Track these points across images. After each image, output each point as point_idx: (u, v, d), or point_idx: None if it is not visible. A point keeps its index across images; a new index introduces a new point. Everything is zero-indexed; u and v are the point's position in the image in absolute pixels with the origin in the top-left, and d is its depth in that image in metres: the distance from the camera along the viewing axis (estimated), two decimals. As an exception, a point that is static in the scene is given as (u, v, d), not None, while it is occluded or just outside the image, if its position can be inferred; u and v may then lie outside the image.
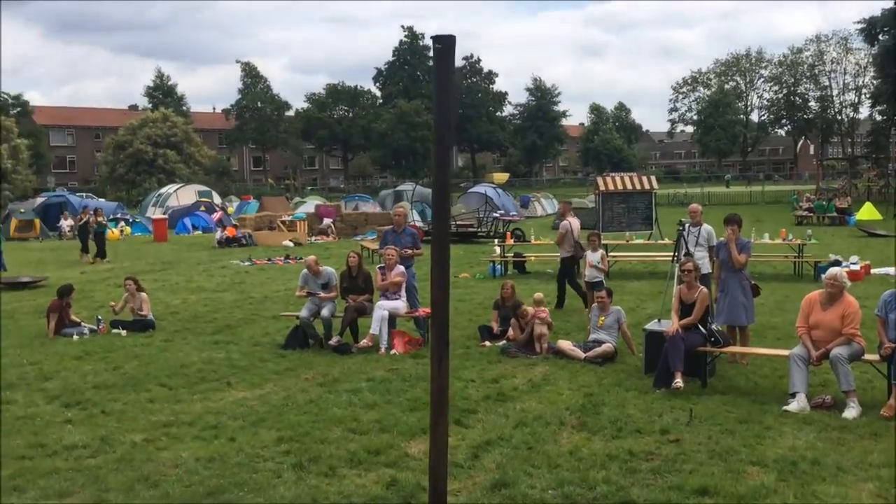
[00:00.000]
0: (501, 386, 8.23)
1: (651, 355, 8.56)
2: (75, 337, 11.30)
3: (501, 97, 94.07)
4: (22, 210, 37.77)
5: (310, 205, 38.63)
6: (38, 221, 36.05)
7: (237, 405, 7.66)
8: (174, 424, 7.00)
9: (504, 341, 10.25)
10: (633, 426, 6.75)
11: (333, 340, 10.28)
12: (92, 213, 24.84)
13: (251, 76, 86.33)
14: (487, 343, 10.37)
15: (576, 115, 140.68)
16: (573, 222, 13.37)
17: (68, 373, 9.16)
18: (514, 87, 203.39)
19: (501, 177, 65.01)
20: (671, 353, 7.98)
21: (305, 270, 11.02)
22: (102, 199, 50.65)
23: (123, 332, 11.58)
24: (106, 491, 5.37)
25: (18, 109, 73.31)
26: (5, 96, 74.10)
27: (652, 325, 9.00)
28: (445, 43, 2.36)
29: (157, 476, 5.66)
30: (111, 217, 39.07)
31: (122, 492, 5.34)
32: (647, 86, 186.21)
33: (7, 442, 6.53)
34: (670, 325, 8.45)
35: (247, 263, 21.95)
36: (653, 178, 24.91)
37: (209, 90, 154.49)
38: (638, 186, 23.92)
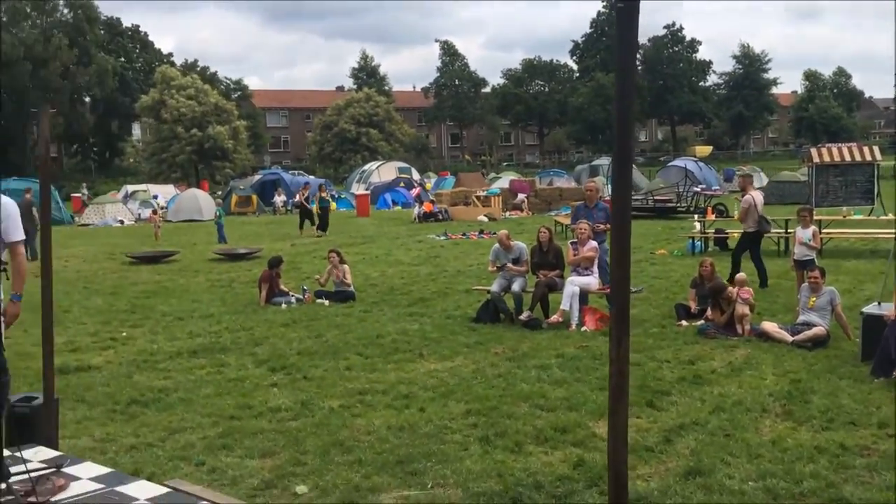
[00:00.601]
0: (698, 368, 7.84)
1: (869, 341, 7.80)
2: (283, 305, 12.00)
3: (705, 66, 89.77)
4: (241, 187, 40.79)
5: (504, 180, 38.87)
6: (255, 197, 38.78)
7: (428, 376, 7.80)
8: (369, 392, 7.24)
9: (702, 321, 9.76)
10: (846, 417, 6.18)
11: (524, 315, 10.24)
12: (316, 189, 26.54)
13: (449, 54, 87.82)
14: (684, 322, 9.92)
15: (788, 83, 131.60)
16: (755, 196, 12.74)
17: (276, 339, 9.74)
18: (718, 55, 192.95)
19: (704, 150, 62.14)
20: (894, 339, 7.24)
21: (497, 245, 11.04)
22: (312, 176, 53.71)
23: (326, 303, 12.17)
24: (304, 453, 5.63)
25: (239, 93, 78.99)
26: (228, 81, 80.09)
27: (871, 308, 8.21)
28: (628, 0, 2.17)
29: (351, 442, 5.86)
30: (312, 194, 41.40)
31: (318, 455, 5.58)
32: (871, 49, 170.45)
33: (219, 401, 7.04)
34: (893, 308, 7.66)
35: (442, 238, 22.43)
36: (875, 148, 22.77)
37: (410, 70, 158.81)
38: (858, 158, 21.93)
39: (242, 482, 5.09)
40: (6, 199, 5.03)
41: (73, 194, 43.60)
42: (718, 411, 6.41)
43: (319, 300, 12.32)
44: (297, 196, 29.26)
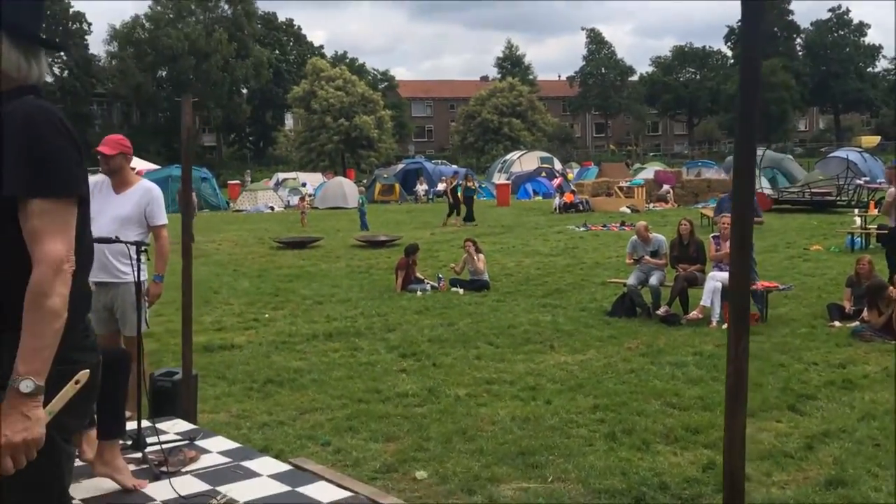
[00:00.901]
0: (849, 372, 7.32)
1: None
2: (418, 293, 12.15)
3: (874, 51, 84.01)
4: (385, 175, 41.69)
5: (650, 171, 37.84)
6: (398, 186, 39.54)
7: (557, 368, 7.68)
8: (496, 382, 7.20)
9: (857, 322, 9.11)
10: None
11: (661, 310, 9.90)
12: (462, 178, 26.70)
13: (596, 42, 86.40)
14: (837, 323, 9.29)
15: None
16: (903, 189, 11.70)
17: (409, 326, 9.87)
18: (890, 40, 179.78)
19: (871, 140, 58.13)
20: None
21: (635, 237, 10.74)
22: (454, 166, 54.24)
23: (461, 291, 12.23)
24: (427, 440, 5.65)
25: (386, 84, 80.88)
26: (375, 72, 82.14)
27: None
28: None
29: (474, 430, 5.84)
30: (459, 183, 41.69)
31: (441, 442, 5.59)
32: None
33: (350, 384, 7.19)
34: None
35: (582, 229, 22.09)
36: None
37: (555, 59, 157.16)
38: None
39: (365, 464, 5.17)
40: (152, 185, 5.34)
41: (229, 181, 45.95)
42: (868, 419, 5.95)
43: (454, 288, 12.40)
44: (444, 185, 29.50)
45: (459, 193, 25.43)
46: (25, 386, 1.92)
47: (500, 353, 8.34)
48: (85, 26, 64.62)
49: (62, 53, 60.42)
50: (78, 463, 4.36)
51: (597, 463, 5.16)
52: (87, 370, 2.12)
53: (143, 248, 4.59)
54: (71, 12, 63.37)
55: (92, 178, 5.35)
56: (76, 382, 2.06)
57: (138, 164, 38.71)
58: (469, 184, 26.20)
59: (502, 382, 7.20)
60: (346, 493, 4.08)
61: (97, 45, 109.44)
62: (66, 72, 61.53)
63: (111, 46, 65.78)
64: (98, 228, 5.11)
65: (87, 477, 4.07)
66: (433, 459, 5.26)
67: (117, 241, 4.63)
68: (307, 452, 5.33)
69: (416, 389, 6.96)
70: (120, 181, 5.22)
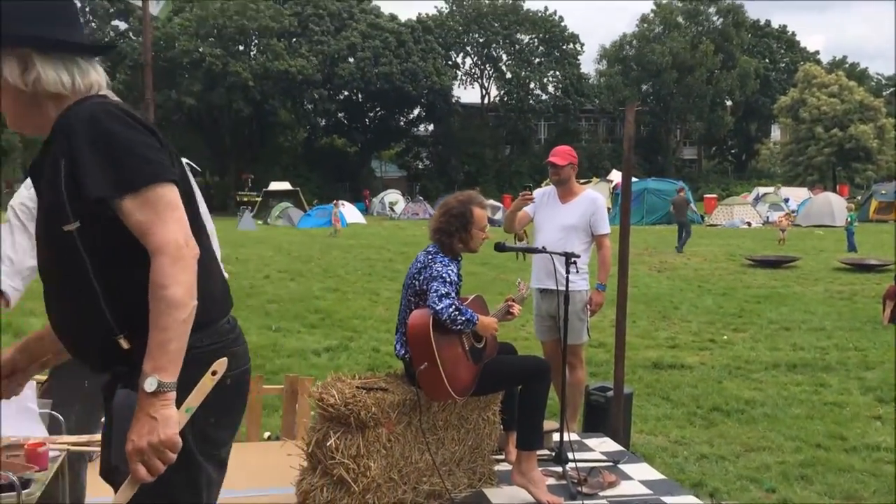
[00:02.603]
0: None
1: None
2: (911, 327, 10.42)
3: None
4: (884, 191, 37.17)
5: None
6: (900, 203, 34.96)
7: None
8: None
9: None
10: None
11: None
12: None
13: None
14: None
15: None
16: None
17: (892, 365, 8.46)
18: None
19: None
20: None
21: None
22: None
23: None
24: (897, 506, 4.68)
25: (892, 90, 72.10)
26: (879, 77, 73.82)
27: None
28: None
29: (965, 508, 4.67)
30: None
31: (916, 514, 4.58)
32: None
33: (808, 425, 6.34)
34: None
35: None
36: None
37: None
38: None
39: (813, 524, 4.44)
40: (597, 195, 5.29)
41: (705, 195, 45.12)
42: None
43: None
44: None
45: None
46: (149, 384, 1.77)
47: None
48: (578, 47, 68.88)
49: (558, 72, 65.53)
50: (502, 466, 4.45)
51: None
52: (224, 359, 1.93)
53: (572, 260, 4.50)
54: (566, 34, 68.05)
55: (539, 190, 5.51)
56: (213, 374, 1.90)
57: (616, 176, 40.16)
58: None
59: None
60: (778, 559, 3.49)
61: (588, 64, 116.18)
62: (559, 90, 66.31)
63: (600, 65, 69.26)
64: (544, 237, 5.20)
65: (506, 483, 4.09)
66: (903, 535, 4.31)
67: (543, 251, 4.62)
68: (747, 497, 4.76)
69: (892, 443, 5.85)
70: (566, 191, 5.25)
